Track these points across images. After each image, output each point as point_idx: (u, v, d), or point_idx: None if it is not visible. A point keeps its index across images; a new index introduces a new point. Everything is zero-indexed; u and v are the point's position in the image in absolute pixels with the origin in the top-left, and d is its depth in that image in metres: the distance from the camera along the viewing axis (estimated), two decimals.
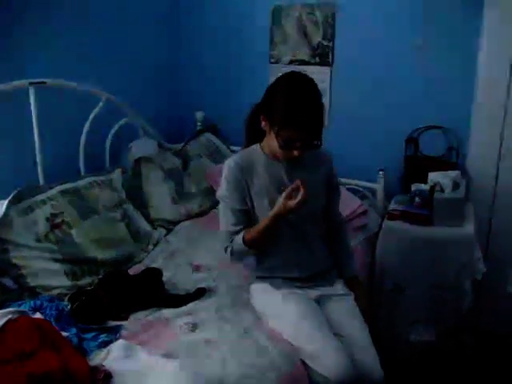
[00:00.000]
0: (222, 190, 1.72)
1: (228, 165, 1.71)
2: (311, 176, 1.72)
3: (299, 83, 1.58)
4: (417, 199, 2.33)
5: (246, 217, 1.71)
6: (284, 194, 1.58)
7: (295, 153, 1.58)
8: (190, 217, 2.54)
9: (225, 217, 1.73)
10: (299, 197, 1.55)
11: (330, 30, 2.73)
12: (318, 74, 2.78)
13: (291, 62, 2.87)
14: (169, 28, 3.10)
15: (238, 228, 1.70)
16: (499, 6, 2.33)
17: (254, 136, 1.75)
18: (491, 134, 2.48)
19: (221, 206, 1.76)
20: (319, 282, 1.76)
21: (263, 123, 1.64)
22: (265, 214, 1.65)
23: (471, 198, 2.53)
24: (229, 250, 1.70)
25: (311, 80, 1.60)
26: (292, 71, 1.65)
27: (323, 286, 1.76)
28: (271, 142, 1.62)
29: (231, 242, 1.70)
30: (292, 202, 1.56)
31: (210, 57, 3.13)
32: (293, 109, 1.53)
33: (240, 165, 1.69)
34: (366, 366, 1.56)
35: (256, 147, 1.75)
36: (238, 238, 1.67)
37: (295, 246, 1.73)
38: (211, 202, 2.63)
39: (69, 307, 1.67)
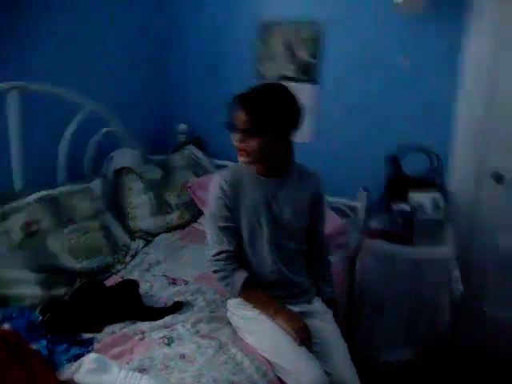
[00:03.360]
0: (211, 207, 1.69)
1: (217, 181, 1.68)
2: (297, 192, 1.72)
3: (269, 83, 1.70)
4: (398, 218, 2.35)
5: (233, 234, 1.68)
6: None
7: (236, 143, 1.62)
8: (169, 229, 2.51)
9: (213, 234, 1.68)
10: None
11: (316, 47, 2.76)
12: (305, 92, 2.80)
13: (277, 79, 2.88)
14: (156, 41, 3.10)
15: (225, 247, 1.65)
16: (481, 34, 2.40)
17: None
18: (472, 157, 2.53)
19: (208, 223, 1.72)
20: (298, 299, 1.74)
21: None
22: (252, 231, 1.65)
23: (451, 218, 2.55)
24: (220, 275, 1.66)
25: (284, 86, 1.68)
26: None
27: (302, 303, 1.74)
28: None
29: (226, 270, 1.64)
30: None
31: (196, 71, 3.13)
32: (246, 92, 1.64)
33: (229, 181, 1.67)
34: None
35: None
36: (239, 282, 1.63)
37: (277, 263, 1.70)
38: (191, 214, 2.62)
39: (40, 319, 1.61)
